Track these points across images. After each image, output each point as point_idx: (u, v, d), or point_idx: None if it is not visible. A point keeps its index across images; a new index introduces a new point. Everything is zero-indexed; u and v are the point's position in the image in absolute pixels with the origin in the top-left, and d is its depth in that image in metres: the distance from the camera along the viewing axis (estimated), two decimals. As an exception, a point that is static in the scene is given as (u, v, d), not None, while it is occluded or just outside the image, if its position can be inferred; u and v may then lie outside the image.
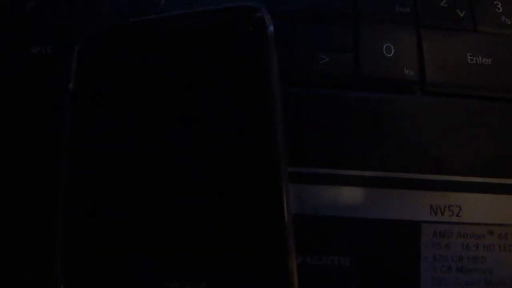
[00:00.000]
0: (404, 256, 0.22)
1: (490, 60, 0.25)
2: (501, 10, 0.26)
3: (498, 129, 0.24)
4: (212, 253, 0.19)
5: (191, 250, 0.19)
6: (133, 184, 0.20)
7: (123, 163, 0.20)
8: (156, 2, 0.26)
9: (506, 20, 0.26)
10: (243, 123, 0.20)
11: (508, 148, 0.23)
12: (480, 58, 0.25)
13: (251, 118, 0.20)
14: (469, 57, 0.25)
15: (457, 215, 0.23)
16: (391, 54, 0.24)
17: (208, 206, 0.19)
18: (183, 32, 0.22)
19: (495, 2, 0.26)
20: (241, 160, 0.20)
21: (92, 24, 0.24)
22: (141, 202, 0.20)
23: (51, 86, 0.25)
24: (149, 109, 0.21)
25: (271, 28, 0.21)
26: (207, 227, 0.19)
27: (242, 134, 0.20)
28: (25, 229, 0.22)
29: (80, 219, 0.20)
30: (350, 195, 0.22)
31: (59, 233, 0.20)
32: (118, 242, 0.20)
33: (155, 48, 0.22)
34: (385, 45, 0.25)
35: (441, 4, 0.26)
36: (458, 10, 0.26)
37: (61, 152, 0.21)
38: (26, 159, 0.24)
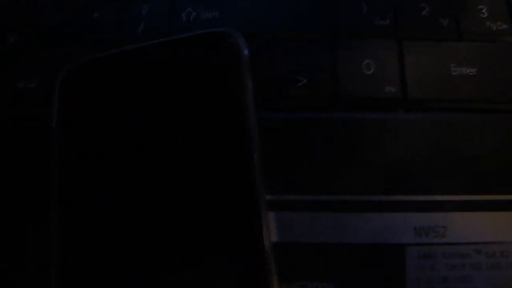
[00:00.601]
0: (389, 280, 0.22)
1: (475, 70, 0.24)
2: (486, 15, 0.25)
3: (484, 143, 0.23)
4: (188, 280, 0.19)
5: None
6: (118, 216, 0.21)
7: (110, 193, 0.21)
8: (134, 29, 0.26)
9: (492, 25, 0.25)
10: (220, 150, 0.20)
11: (494, 162, 0.23)
12: (464, 68, 0.24)
13: (228, 145, 0.20)
14: (452, 68, 0.24)
15: (442, 236, 0.22)
16: (371, 71, 0.24)
17: (186, 236, 0.20)
18: (160, 60, 0.22)
19: (479, 7, 0.25)
20: (219, 188, 0.20)
21: (75, 54, 0.24)
22: (122, 236, 0.20)
23: (36, 121, 0.25)
24: (131, 138, 0.21)
25: (246, 52, 0.21)
26: (185, 258, 0.19)
27: (219, 161, 0.20)
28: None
29: (71, 251, 0.21)
30: (332, 221, 0.22)
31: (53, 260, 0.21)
32: (109, 268, 0.20)
33: (134, 78, 0.22)
34: (365, 62, 0.24)
35: (423, 13, 0.25)
36: (441, 19, 0.25)
37: (49, 187, 0.21)
38: (12, 196, 0.24)
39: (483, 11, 0.25)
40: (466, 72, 0.24)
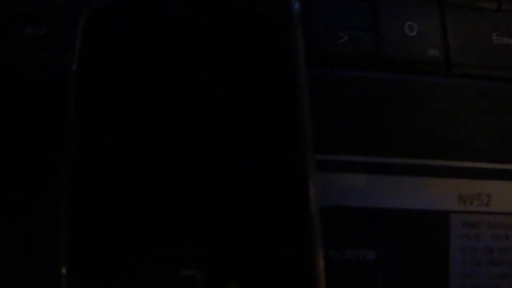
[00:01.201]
0: (432, 249, 0.21)
1: (516, 40, 0.23)
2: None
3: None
4: (234, 247, 0.18)
5: (213, 245, 0.17)
6: (145, 172, 0.18)
7: (134, 149, 0.18)
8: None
9: (531, -2, 0.25)
10: (267, 105, 0.18)
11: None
12: (506, 38, 0.23)
13: (277, 100, 0.18)
14: (494, 37, 0.23)
15: (486, 204, 0.21)
16: (414, 33, 0.23)
17: (230, 196, 0.18)
18: (201, 7, 0.20)
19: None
20: (266, 146, 0.18)
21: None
22: (155, 189, 0.18)
23: (46, 70, 0.23)
24: (162, 91, 0.19)
25: (297, 5, 0.19)
26: (229, 219, 0.18)
27: (266, 116, 0.18)
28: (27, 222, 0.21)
29: (86, 208, 0.18)
30: (373, 184, 0.21)
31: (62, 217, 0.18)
32: (127, 234, 0.18)
33: (169, 24, 0.20)
34: (407, 24, 0.23)
35: (465, -20, 0.24)
36: (482, -13, 0.24)
37: (63, 136, 0.19)
38: (22, 147, 0.22)
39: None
40: (508, 42, 0.23)
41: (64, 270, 0.17)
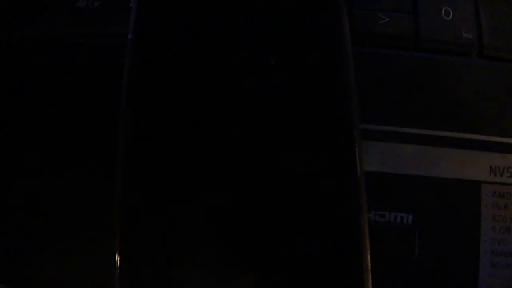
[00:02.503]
0: (465, 215, 0.22)
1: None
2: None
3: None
4: (284, 209, 0.19)
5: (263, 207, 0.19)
6: (198, 147, 0.19)
7: (187, 122, 0.19)
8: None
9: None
10: (315, 79, 0.20)
11: None
12: (536, 24, 0.25)
13: (325, 74, 0.20)
14: (525, 23, 0.25)
15: (515, 177, 0.23)
16: (450, 17, 0.24)
17: (280, 165, 0.19)
18: None
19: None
20: (315, 116, 0.19)
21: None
22: (206, 163, 0.19)
23: (100, 42, 0.24)
24: (215, 64, 0.20)
25: None
26: (279, 183, 0.19)
27: (316, 91, 0.20)
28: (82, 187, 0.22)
29: (140, 181, 0.19)
30: (412, 153, 0.22)
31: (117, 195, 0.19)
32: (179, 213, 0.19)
33: (220, 2, 0.21)
34: (444, 8, 0.25)
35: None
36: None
37: (119, 109, 0.20)
38: (77, 120, 0.23)
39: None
40: (538, 28, 0.25)
41: (118, 258, 0.18)
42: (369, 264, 0.18)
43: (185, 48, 0.20)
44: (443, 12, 0.25)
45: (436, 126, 0.23)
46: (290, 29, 0.20)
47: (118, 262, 0.18)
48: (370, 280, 0.18)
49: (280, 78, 0.20)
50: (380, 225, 0.22)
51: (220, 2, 0.21)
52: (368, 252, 0.18)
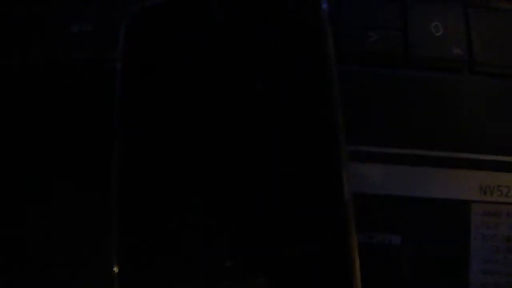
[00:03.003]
0: (454, 235, 0.22)
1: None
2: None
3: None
4: (271, 231, 0.19)
5: (248, 228, 0.19)
6: (189, 166, 0.19)
7: (178, 145, 0.20)
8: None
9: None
10: (300, 101, 0.20)
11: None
12: (528, 38, 0.25)
13: (309, 97, 0.20)
14: (516, 37, 0.25)
15: (506, 195, 0.23)
16: (440, 33, 0.24)
17: (268, 184, 0.19)
18: (237, 8, 0.21)
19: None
20: (301, 138, 0.19)
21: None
22: (198, 183, 0.19)
23: (92, 66, 0.25)
24: (203, 89, 0.20)
25: (325, 5, 0.21)
26: (265, 205, 0.19)
27: (300, 113, 0.19)
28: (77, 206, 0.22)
29: (136, 199, 0.20)
30: (400, 174, 0.22)
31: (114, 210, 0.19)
32: (174, 223, 0.19)
33: (209, 25, 0.21)
34: (433, 24, 0.24)
35: (489, -18, 0.26)
36: (505, -12, 0.26)
37: (111, 131, 0.20)
38: (70, 142, 0.23)
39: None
40: (530, 42, 0.25)
41: (116, 269, 0.19)
42: (359, 285, 0.18)
43: (172, 73, 0.21)
44: (432, 27, 0.24)
45: (425, 146, 0.23)
46: (274, 51, 0.20)
47: (117, 269, 0.19)
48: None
49: (265, 102, 0.20)
50: (369, 247, 0.22)
51: (205, 29, 0.21)
52: (358, 272, 0.18)
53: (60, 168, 0.24)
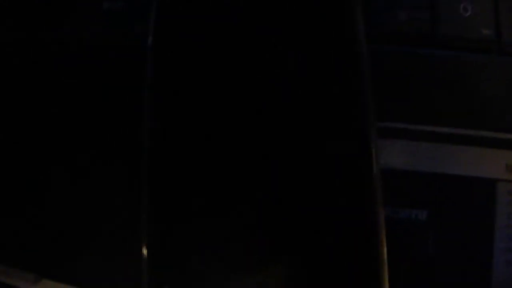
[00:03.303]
0: (479, 213, 0.22)
1: None
2: None
3: None
4: (300, 208, 0.19)
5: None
6: (217, 150, 0.20)
7: (207, 125, 0.20)
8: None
9: None
10: (331, 79, 0.20)
11: None
12: (556, 20, 0.25)
13: (339, 74, 0.20)
14: (545, 19, 0.25)
15: (531, 175, 0.23)
16: (468, 14, 0.24)
17: (295, 162, 0.19)
18: None
19: None
20: (331, 113, 0.20)
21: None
22: (228, 165, 0.19)
23: (123, 43, 0.25)
24: (235, 66, 0.20)
25: None
26: (293, 183, 0.19)
27: (331, 89, 0.20)
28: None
29: (165, 180, 0.20)
30: (427, 151, 0.23)
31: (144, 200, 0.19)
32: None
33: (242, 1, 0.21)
34: (462, 5, 0.24)
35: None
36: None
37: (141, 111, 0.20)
38: (100, 120, 0.24)
39: None
40: (558, 24, 0.25)
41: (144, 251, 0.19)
42: (385, 257, 0.19)
43: (203, 46, 0.21)
44: (461, 8, 0.24)
45: (452, 124, 0.23)
46: (305, 27, 0.20)
47: (146, 262, 0.19)
48: (386, 272, 0.19)
49: (297, 79, 0.20)
50: (395, 221, 0.22)
51: (238, 5, 0.21)
52: (384, 245, 0.19)
53: (89, 146, 0.24)
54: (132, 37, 0.25)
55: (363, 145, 0.19)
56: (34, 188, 0.24)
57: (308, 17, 0.21)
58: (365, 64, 0.20)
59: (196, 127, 0.20)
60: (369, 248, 0.19)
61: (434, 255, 0.22)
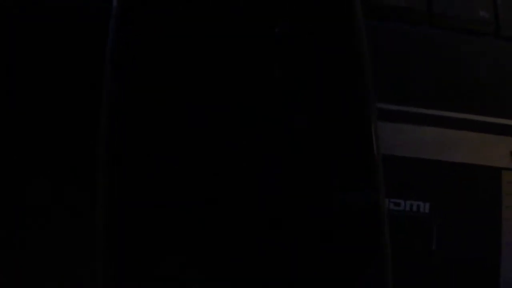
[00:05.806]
0: (485, 204, 0.21)
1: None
2: None
3: None
4: (301, 186, 0.17)
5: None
6: (192, 136, 0.17)
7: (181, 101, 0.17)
8: None
9: None
10: (330, 57, 0.18)
11: None
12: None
13: (338, 53, 0.18)
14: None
15: (536, 163, 0.21)
16: (465, -6, 0.23)
17: (297, 147, 0.17)
18: None
19: None
20: (329, 95, 0.18)
21: None
22: (217, 146, 0.17)
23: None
24: (211, 48, 0.18)
25: None
26: (295, 160, 0.17)
27: (328, 68, 0.18)
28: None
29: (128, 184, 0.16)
30: (429, 136, 0.21)
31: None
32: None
33: None
34: (459, -15, 0.23)
35: None
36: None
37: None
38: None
39: None
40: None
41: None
42: (389, 251, 0.16)
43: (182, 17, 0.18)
44: (458, -12, 0.23)
45: (452, 108, 0.21)
46: (300, 8, 0.18)
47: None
48: (389, 264, 0.16)
49: (295, 58, 0.18)
50: (395, 214, 0.20)
51: None
52: (388, 237, 0.16)
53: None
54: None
55: (363, 127, 0.17)
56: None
57: None
58: (363, 40, 0.18)
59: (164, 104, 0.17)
60: (373, 239, 0.17)
61: (437, 250, 0.20)
